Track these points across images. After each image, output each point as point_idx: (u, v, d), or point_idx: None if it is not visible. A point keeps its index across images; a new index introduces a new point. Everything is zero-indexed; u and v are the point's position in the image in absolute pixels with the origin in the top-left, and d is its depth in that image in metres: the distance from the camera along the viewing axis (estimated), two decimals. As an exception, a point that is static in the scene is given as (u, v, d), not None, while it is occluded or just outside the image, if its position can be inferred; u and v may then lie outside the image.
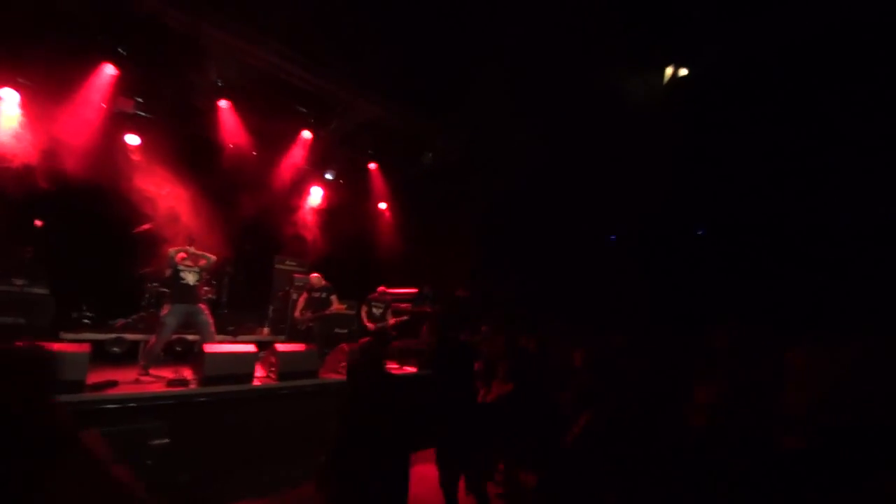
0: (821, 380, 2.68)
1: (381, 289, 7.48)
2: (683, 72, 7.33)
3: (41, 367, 1.33)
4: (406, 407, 3.20)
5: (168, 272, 5.09)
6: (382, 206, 10.19)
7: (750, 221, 6.60)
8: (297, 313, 6.49)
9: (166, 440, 3.84)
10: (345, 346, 6.06)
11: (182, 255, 5.07)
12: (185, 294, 4.98)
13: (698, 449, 2.95)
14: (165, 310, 4.95)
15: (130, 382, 4.33)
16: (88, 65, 6.09)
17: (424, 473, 4.96)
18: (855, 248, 5.44)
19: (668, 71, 7.44)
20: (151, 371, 4.80)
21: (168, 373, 4.80)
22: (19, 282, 4.97)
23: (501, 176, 8.95)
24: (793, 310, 5.38)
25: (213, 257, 5.31)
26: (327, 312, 6.47)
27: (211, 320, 5.16)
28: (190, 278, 5.04)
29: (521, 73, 7.45)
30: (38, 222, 5.92)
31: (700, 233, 7.58)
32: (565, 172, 8.27)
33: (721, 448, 2.92)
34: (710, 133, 6.93)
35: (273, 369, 5.04)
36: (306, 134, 8.39)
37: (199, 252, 5.17)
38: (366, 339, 3.16)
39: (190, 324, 5.10)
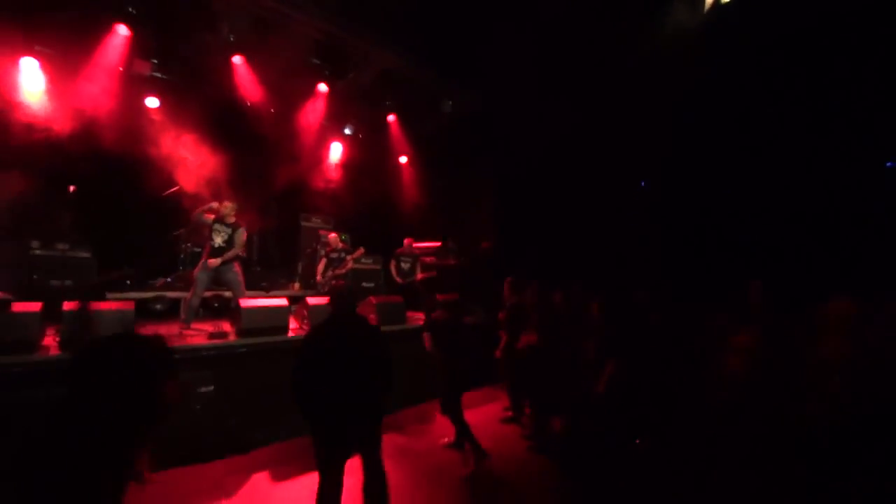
0: (862, 329, 2.57)
1: (407, 241, 7.52)
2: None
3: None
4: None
5: (205, 232, 5.23)
6: (403, 159, 10.03)
7: (785, 175, 6.18)
8: (318, 277, 6.67)
9: (211, 387, 4.11)
10: (373, 299, 6.21)
11: (209, 214, 5.18)
12: (214, 253, 5.15)
13: (736, 394, 2.94)
14: (198, 267, 5.18)
15: (174, 336, 4.58)
16: (101, 27, 6.03)
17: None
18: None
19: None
20: (193, 325, 5.07)
21: (208, 327, 5.06)
22: (61, 246, 5.22)
23: (523, 124, 8.60)
24: (823, 270, 5.15)
25: (238, 240, 5.28)
26: (344, 271, 6.67)
27: (241, 276, 5.35)
28: (217, 239, 5.19)
29: (544, 11, 6.97)
30: (71, 188, 6.12)
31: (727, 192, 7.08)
32: (591, 118, 7.85)
33: (760, 394, 2.89)
34: (754, 74, 6.36)
35: (305, 321, 5.24)
36: (322, 87, 8.20)
37: (226, 221, 5.23)
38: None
39: (221, 281, 5.28)
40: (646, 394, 3.60)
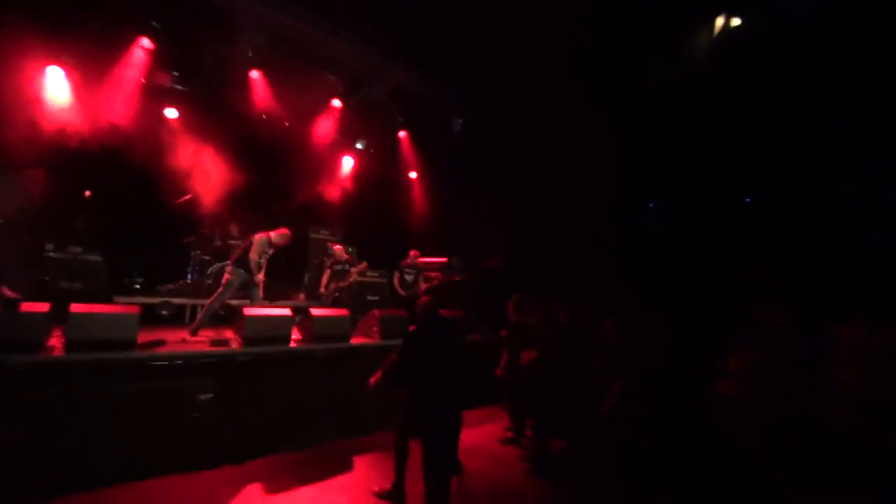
0: (875, 357, 2.50)
1: (413, 253, 7.53)
2: (736, 21, 6.73)
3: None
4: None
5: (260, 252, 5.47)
6: (413, 175, 10.13)
7: (797, 196, 6.13)
8: (321, 289, 6.68)
9: (211, 395, 4.10)
10: (377, 312, 6.20)
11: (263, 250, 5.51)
12: (247, 266, 5.40)
13: (729, 418, 2.87)
14: (229, 273, 5.35)
15: (177, 342, 4.61)
16: (125, 40, 6.28)
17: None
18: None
19: (720, 21, 6.84)
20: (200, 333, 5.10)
21: (211, 334, 5.09)
22: (75, 249, 5.34)
23: (532, 143, 8.66)
24: (832, 293, 5.04)
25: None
26: (347, 283, 6.66)
27: (262, 293, 5.56)
28: (264, 261, 5.53)
29: (556, 33, 7.08)
30: (87, 193, 6.27)
31: (748, 200, 7.07)
32: (601, 139, 7.90)
33: (752, 418, 2.82)
34: (760, 96, 6.38)
35: (308, 332, 5.23)
36: (336, 103, 8.38)
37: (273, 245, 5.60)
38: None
39: (244, 291, 5.49)
40: (653, 416, 3.52)
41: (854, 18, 5.28)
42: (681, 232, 7.37)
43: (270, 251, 5.60)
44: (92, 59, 6.03)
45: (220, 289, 5.29)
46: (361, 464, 4.19)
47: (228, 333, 5.24)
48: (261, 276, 5.41)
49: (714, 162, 6.93)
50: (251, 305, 5.40)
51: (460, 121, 9.42)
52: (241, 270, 5.36)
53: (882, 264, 4.88)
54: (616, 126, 7.66)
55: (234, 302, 6.25)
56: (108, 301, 5.16)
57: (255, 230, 5.65)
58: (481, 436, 5.04)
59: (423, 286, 7.54)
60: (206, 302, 5.39)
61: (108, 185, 6.45)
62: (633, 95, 7.41)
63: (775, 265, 5.95)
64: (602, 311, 4.63)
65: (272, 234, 5.60)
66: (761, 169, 6.46)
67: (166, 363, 4.03)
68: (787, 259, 5.91)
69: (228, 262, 6.81)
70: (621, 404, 3.63)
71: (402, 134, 9.54)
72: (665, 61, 7.13)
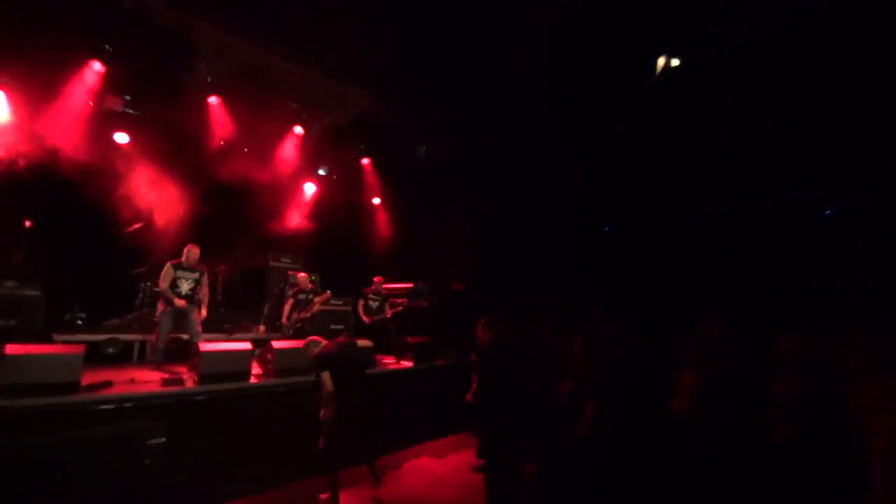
0: (816, 365, 2.68)
1: (377, 279, 7.45)
2: (675, 62, 7.35)
3: None
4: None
5: (167, 280, 5.20)
6: (376, 201, 10.14)
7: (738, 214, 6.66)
8: (283, 320, 6.46)
9: (163, 439, 3.82)
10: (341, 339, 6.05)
11: (175, 272, 5.25)
12: (178, 297, 5.18)
13: (684, 436, 2.98)
14: (160, 309, 5.16)
15: (126, 382, 4.29)
16: (75, 62, 6.00)
17: (422, 465, 5.00)
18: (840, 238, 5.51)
19: (661, 61, 7.45)
20: (144, 373, 4.77)
21: (163, 373, 4.77)
22: (9, 283, 4.90)
23: (494, 168, 8.93)
24: (777, 302, 5.44)
25: (205, 282, 5.48)
26: (310, 314, 6.44)
27: (199, 320, 5.34)
28: (184, 287, 5.25)
29: (511, 67, 7.42)
30: (27, 222, 5.84)
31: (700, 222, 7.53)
32: (560, 163, 8.26)
33: (706, 435, 2.93)
34: (703, 123, 6.96)
35: (270, 366, 5.02)
36: (298, 129, 8.32)
37: (192, 268, 5.34)
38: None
39: (181, 324, 5.27)
40: (622, 436, 3.58)
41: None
42: (639, 249, 7.76)
43: (189, 274, 5.30)
44: (37, 80, 5.70)
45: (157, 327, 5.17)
46: (341, 497, 3.99)
47: (182, 371, 4.94)
48: (180, 302, 5.10)
49: (670, 178, 7.40)
50: (192, 340, 5.17)
51: (423, 148, 9.58)
52: (172, 307, 5.14)
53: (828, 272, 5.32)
54: (576, 148, 8.07)
55: (185, 337, 5.94)
56: (48, 340, 4.76)
57: (212, 260, 5.46)
58: (453, 465, 4.97)
59: (388, 312, 7.46)
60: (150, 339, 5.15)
61: (50, 214, 6.02)
62: (592, 118, 7.85)
63: (726, 276, 6.36)
64: (568, 329, 4.74)
65: (181, 258, 5.33)
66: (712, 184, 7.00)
67: (114, 406, 3.75)
68: (736, 269, 6.34)
69: None
70: (595, 425, 3.68)
71: (364, 160, 9.56)
72: (618, 89, 7.64)
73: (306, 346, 4.32)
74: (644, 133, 7.47)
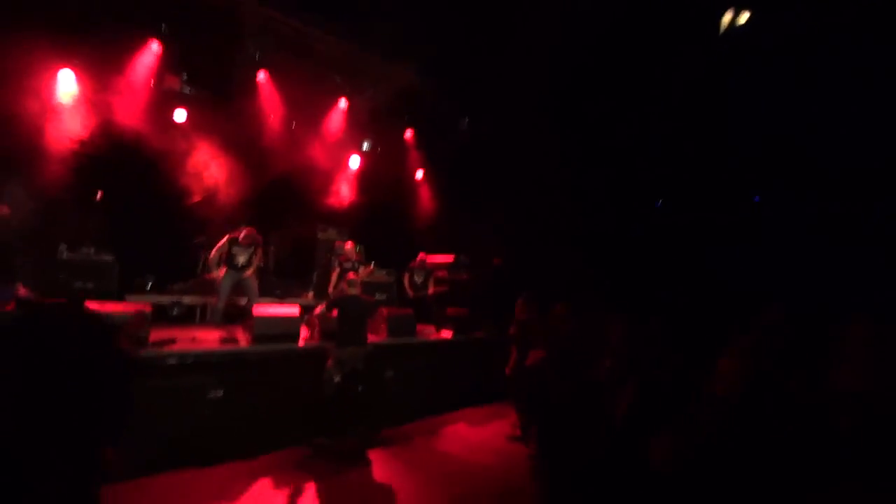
0: (878, 357, 2.46)
1: (421, 255, 7.56)
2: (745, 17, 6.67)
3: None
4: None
5: (219, 252, 5.76)
6: (419, 174, 10.16)
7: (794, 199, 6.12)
8: (330, 289, 6.73)
9: (221, 392, 4.16)
10: (384, 310, 6.23)
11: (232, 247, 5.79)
12: (235, 267, 5.77)
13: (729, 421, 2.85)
14: (221, 275, 5.69)
15: (188, 340, 4.67)
16: (136, 43, 6.38)
17: (458, 431, 5.14)
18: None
19: (727, 17, 6.79)
20: (204, 333, 5.17)
21: (221, 333, 5.16)
22: (87, 249, 5.44)
23: (536, 145, 8.66)
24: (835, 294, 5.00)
25: (259, 253, 6.10)
26: None
27: (255, 286, 5.92)
28: (241, 259, 5.81)
29: (557, 38, 7.06)
30: (99, 194, 6.38)
31: (756, 199, 7.03)
32: (606, 142, 7.90)
33: (752, 421, 2.79)
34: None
35: (316, 330, 5.28)
36: (342, 103, 8.43)
37: (248, 243, 5.86)
38: None
39: (239, 289, 5.84)
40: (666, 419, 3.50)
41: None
42: (682, 235, 7.35)
43: (244, 249, 5.80)
44: (102, 61, 6.13)
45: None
46: (377, 458, 4.22)
47: (238, 333, 5.31)
48: (218, 273, 5.66)
49: (717, 164, 6.91)
50: (250, 302, 5.62)
51: (466, 120, 9.42)
52: (231, 271, 5.72)
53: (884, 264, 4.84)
54: (622, 127, 7.66)
55: (242, 302, 6.35)
56: (120, 300, 5.25)
57: (265, 231, 5.82)
58: (489, 433, 5.06)
59: (432, 288, 7.56)
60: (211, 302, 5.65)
61: (119, 187, 6.54)
62: (631, 99, 7.42)
63: (773, 266, 5.92)
64: (608, 314, 4.61)
65: (240, 235, 5.82)
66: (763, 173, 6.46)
67: (177, 361, 4.10)
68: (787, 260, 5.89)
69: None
70: (635, 405, 3.61)
71: (408, 133, 9.57)
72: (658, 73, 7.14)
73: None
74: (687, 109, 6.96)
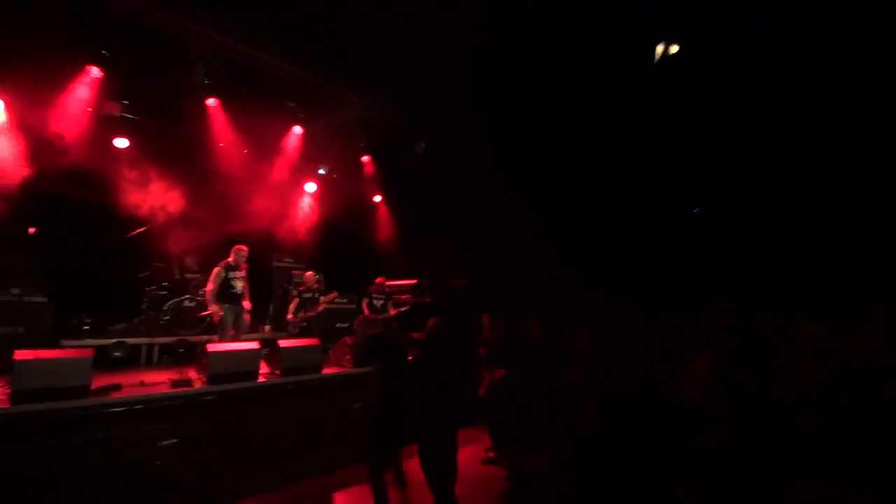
0: (835, 351, 2.66)
1: (379, 279, 7.46)
2: (674, 49, 7.29)
3: None
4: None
5: (217, 282, 5.41)
6: (377, 198, 10.13)
7: (743, 204, 6.66)
8: (289, 316, 6.48)
9: (174, 440, 3.84)
10: (347, 339, 6.07)
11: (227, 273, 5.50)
12: (234, 298, 5.47)
13: (696, 420, 2.97)
14: (221, 311, 5.35)
15: (134, 385, 4.31)
16: (72, 68, 6.00)
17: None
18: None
19: (659, 49, 7.39)
20: (152, 375, 4.79)
21: (172, 374, 4.79)
22: (15, 291, 4.93)
23: (492, 165, 8.91)
24: (788, 291, 5.44)
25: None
26: (316, 313, 6.49)
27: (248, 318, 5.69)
28: (239, 286, 5.53)
29: (511, 62, 7.40)
30: (31, 230, 5.85)
31: (696, 210, 7.59)
32: (557, 157, 8.26)
33: (719, 419, 2.93)
34: (703, 113, 6.93)
35: (277, 365, 5.04)
36: (297, 129, 8.31)
37: (240, 266, 5.63)
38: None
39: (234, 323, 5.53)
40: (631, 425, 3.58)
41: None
42: (637, 240, 7.75)
43: (238, 273, 5.54)
44: (36, 87, 5.71)
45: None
46: (342, 501, 4.02)
47: (191, 372, 4.96)
48: (213, 308, 5.34)
49: (663, 172, 7.40)
50: (237, 334, 5.40)
51: (423, 144, 9.54)
52: (231, 305, 5.44)
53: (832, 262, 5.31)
54: (570, 143, 8.05)
55: (193, 339, 5.98)
56: (56, 345, 4.78)
57: (215, 261, 5.50)
58: (462, 457, 4.95)
59: (392, 311, 7.45)
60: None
61: (53, 221, 6.04)
62: (590, 110, 7.84)
63: (726, 267, 6.36)
64: (572, 324, 4.74)
65: (230, 259, 5.54)
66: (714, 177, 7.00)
67: (124, 409, 3.76)
68: (736, 261, 6.35)
69: (187, 296, 6.54)
70: (599, 417, 3.68)
71: (364, 158, 9.55)
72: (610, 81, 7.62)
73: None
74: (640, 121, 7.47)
